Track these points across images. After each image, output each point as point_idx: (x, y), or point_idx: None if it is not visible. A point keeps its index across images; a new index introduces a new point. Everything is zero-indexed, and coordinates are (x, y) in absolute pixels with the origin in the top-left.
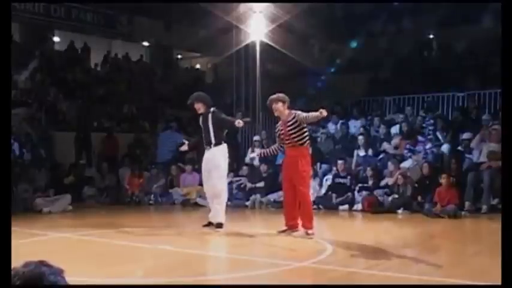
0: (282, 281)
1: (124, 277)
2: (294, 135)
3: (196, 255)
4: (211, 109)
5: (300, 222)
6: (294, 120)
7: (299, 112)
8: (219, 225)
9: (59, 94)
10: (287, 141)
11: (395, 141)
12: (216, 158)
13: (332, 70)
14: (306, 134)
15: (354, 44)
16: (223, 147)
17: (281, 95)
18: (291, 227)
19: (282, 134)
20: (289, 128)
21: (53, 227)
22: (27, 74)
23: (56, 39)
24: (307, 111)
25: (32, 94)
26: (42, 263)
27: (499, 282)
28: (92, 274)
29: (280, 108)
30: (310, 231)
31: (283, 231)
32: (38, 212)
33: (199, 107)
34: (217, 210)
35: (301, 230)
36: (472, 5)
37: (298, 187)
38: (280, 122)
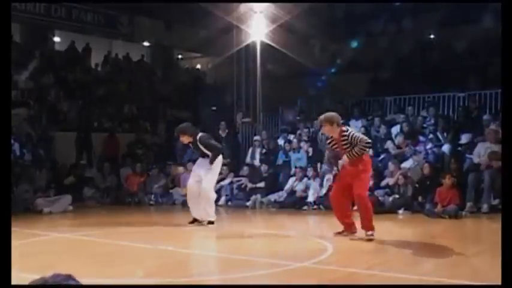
0: (283, 281)
1: (124, 277)
2: (350, 150)
3: (196, 256)
4: (198, 136)
5: (354, 222)
6: (348, 139)
7: (354, 134)
8: (211, 223)
9: (60, 94)
10: (345, 153)
11: (400, 139)
12: (212, 164)
13: (332, 70)
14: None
15: (354, 44)
16: (220, 156)
17: (328, 115)
18: (348, 227)
19: (337, 148)
20: (344, 146)
21: (53, 227)
22: (27, 74)
23: (57, 39)
24: (308, 111)
25: (33, 94)
26: (70, 277)
27: (499, 282)
28: (92, 274)
29: (329, 130)
30: (369, 233)
31: (340, 232)
32: (38, 212)
33: (184, 139)
34: (207, 211)
35: (358, 232)
36: (472, 5)
37: (356, 191)
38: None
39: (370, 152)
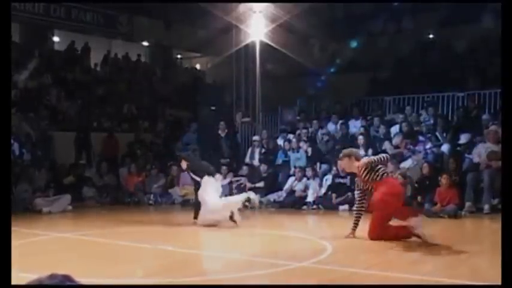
0: (282, 281)
1: (124, 277)
2: (370, 181)
3: (196, 255)
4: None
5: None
6: (366, 171)
7: (370, 160)
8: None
9: (59, 94)
10: (366, 183)
11: (397, 140)
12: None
13: (332, 70)
14: (381, 170)
15: (354, 44)
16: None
17: (346, 150)
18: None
19: (361, 183)
20: (366, 177)
21: (52, 227)
22: (27, 74)
23: (56, 39)
24: (308, 111)
25: (32, 94)
26: (67, 278)
27: (499, 282)
28: (92, 274)
29: (346, 165)
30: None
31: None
32: (37, 212)
33: (184, 165)
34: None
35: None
36: (471, 5)
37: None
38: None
39: (370, 152)
